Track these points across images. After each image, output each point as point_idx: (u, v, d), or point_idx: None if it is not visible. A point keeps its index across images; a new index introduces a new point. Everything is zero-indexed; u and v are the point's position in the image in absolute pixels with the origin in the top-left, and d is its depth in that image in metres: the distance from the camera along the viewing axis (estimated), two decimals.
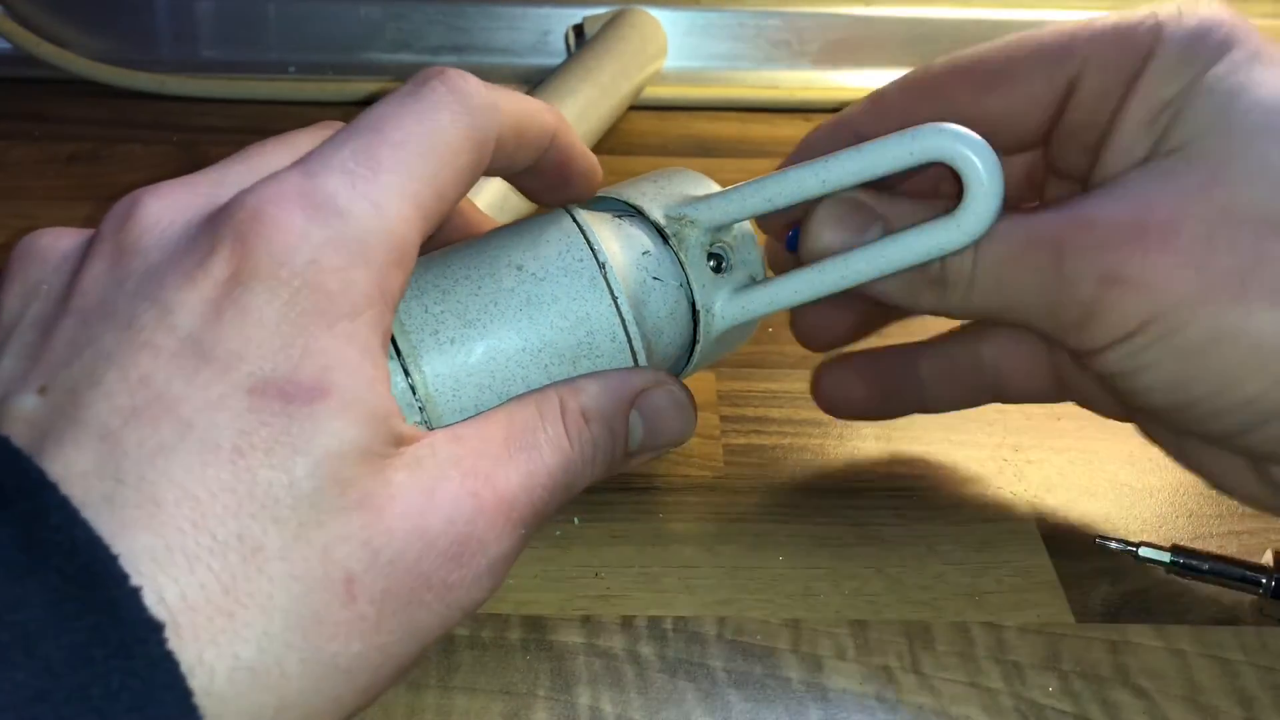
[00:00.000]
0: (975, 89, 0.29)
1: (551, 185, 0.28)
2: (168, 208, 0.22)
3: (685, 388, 0.28)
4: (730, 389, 0.37)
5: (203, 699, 0.18)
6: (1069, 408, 0.37)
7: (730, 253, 0.29)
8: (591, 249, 0.27)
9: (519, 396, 0.25)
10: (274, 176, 0.21)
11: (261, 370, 0.19)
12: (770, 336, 0.40)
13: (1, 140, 0.52)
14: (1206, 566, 0.30)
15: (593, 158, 0.28)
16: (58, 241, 0.23)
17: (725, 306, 0.29)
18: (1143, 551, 0.30)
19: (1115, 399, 0.29)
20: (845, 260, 0.28)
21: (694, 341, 0.30)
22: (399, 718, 0.26)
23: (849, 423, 0.36)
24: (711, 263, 0.29)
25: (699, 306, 0.29)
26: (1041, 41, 0.28)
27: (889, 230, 0.27)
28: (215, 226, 0.21)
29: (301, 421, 0.19)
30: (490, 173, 0.26)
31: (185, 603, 0.18)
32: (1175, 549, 0.30)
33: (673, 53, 0.58)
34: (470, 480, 0.22)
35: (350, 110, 0.56)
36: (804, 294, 0.29)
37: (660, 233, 0.29)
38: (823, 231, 0.28)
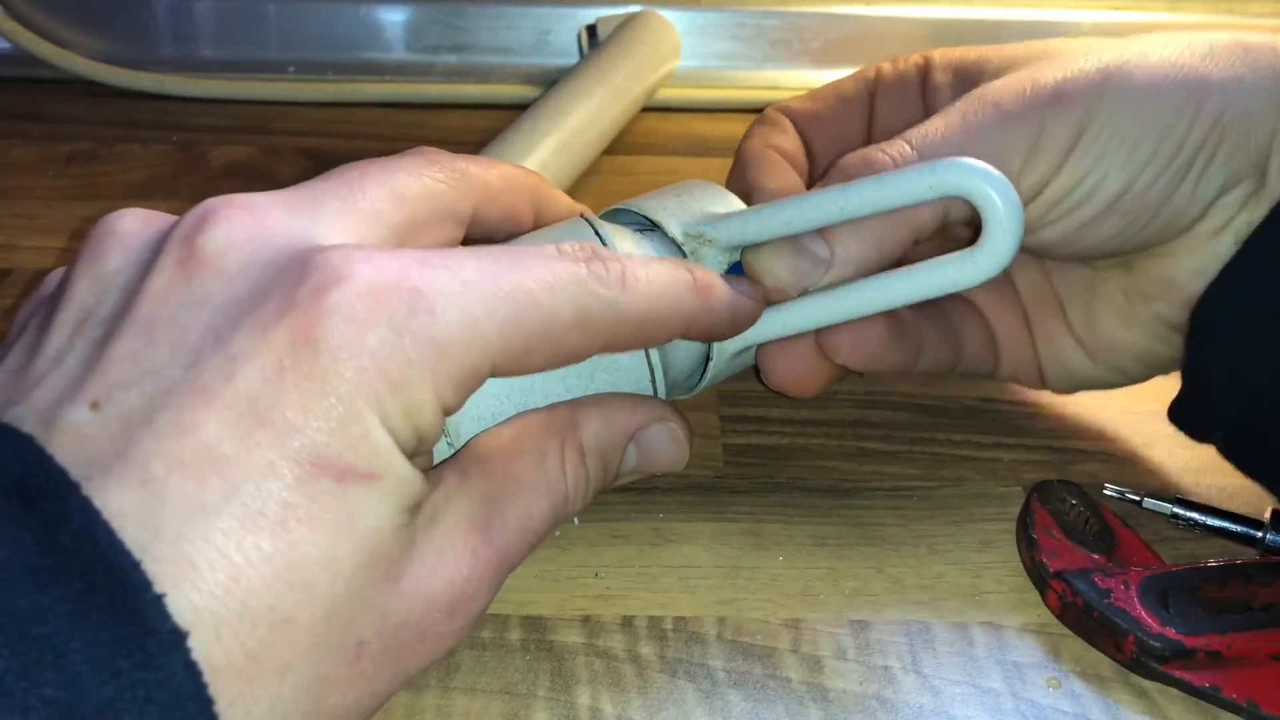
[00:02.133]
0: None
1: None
2: (255, 230, 0.21)
3: (685, 420, 0.29)
4: (730, 389, 0.37)
5: None
6: (1070, 408, 0.37)
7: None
8: None
9: (525, 423, 0.26)
10: (380, 252, 0.21)
11: (316, 445, 0.19)
12: None
13: (1, 140, 0.52)
14: (1207, 519, 0.32)
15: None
16: (142, 228, 0.22)
17: None
18: (1146, 503, 0.32)
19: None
20: (858, 289, 0.28)
21: (708, 358, 0.30)
22: (399, 718, 0.26)
23: (849, 423, 0.36)
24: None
25: None
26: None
27: (839, 266, 0.28)
28: (300, 280, 0.20)
29: (350, 502, 0.19)
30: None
31: (208, 664, 0.18)
32: (1178, 500, 0.32)
33: None
34: (471, 535, 0.23)
35: (350, 110, 0.57)
36: (818, 320, 0.29)
37: (679, 249, 0.29)
38: (774, 267, 0.29)
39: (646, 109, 0.56)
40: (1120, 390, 0.35)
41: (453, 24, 0.58)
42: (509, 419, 0.26)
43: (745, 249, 0.29)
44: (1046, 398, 0.37)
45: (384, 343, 0.20)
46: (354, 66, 0.58)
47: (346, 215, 0.22)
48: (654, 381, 0.28)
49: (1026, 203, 0.29)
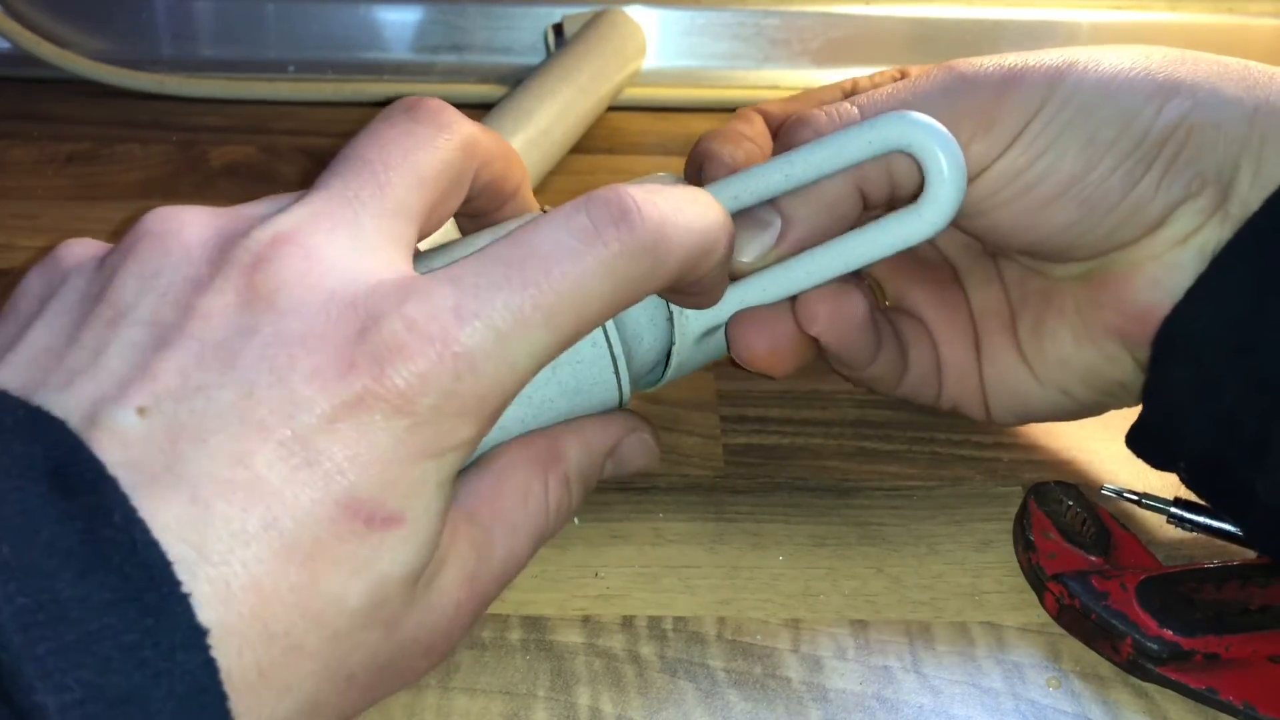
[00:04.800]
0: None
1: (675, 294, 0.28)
2: (311, 266, 0.22)
3: (652, 425, 0.29)
4: (730, 389, 0.37)
5: None
6: None
7: None
8: None
9: (507, 460, 0.26)
10: (428, 303, 0.21)
11: (355, 489, 0.20)
12: None
13: (1, 140, 0.52)
14: (1205, 519, 0.31)
15: (724, 286, 0.29)
16: (186, 230, 0.23)
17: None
18: (1145, 501, 0.32)
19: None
20: (811, 258, 0.28)
21: (670, 350, 0.30)
22: (399, 718, 0.26)
23: (849, 423, 0.36)
24: None
25: (672, 308, 0.29)
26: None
27: (792, 231, 0.28)
28: (363, 341, 0.21)
29: (372, 546, 0.21)
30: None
31: (226, 675, 0.19)
32: (1176, 501, 0.32)
33: (672, 52, 0.58)
34: (461, 589, 0.24)
35: (350, 110, 0.57)
36: (773, 292, 0.29)
37: None
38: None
39: (646, 109, 0.56)
40: None
41: (453, 24, 0.58)
42: (491, 455, 0.26)
43: None
44: None
45: (432, 407, 0.21)
46: (354, 66, 0.58)
47: (382, 222, 0.23)
48: (617, 373, 0.28)
49: (976, 173, 0.28)
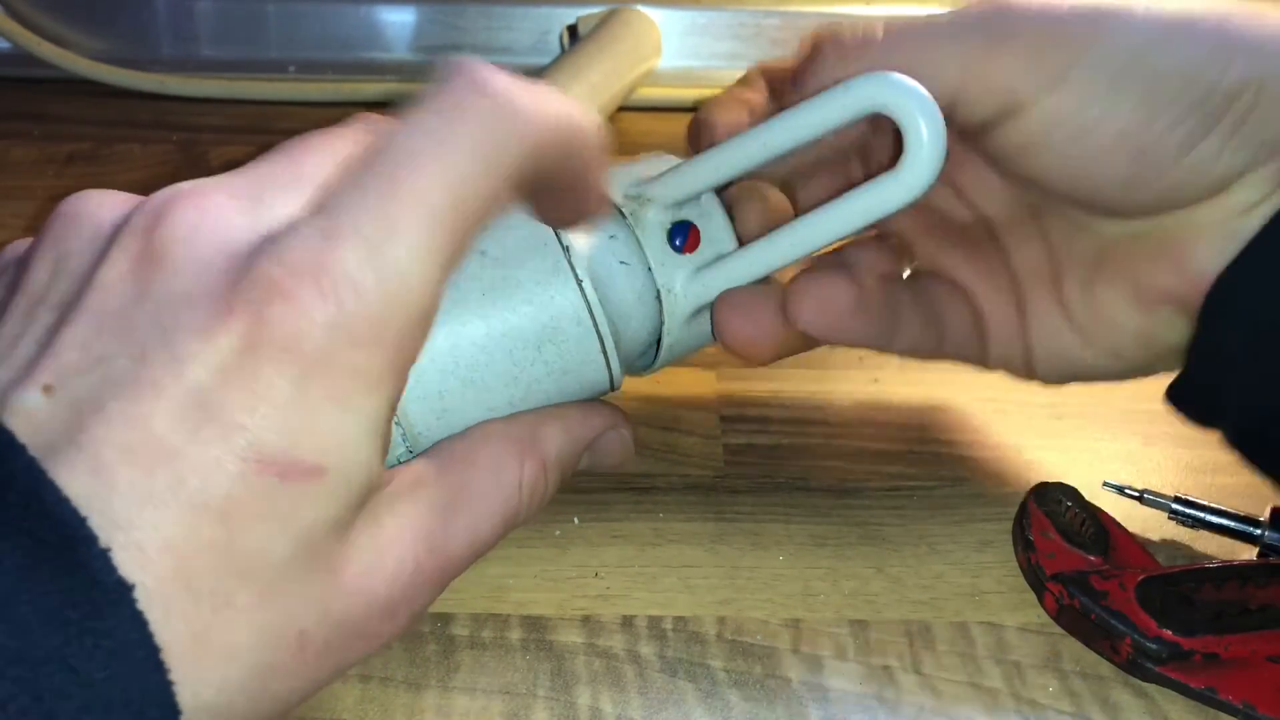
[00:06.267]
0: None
1: (551, 194, 0.25)
2: (203, 221, 0.21)
3: (632, 425, 0.29)
4: (730, 389, 0.37)
5: None
6: (1070, 408, 0.37)
7: (699, 229, 0.29)
8: (555, 232, 0.27)
9: (485, 433, 0.26)
10: (295, 236, 0.20)
11: (261, 442, 0.20)
12: None
13: (1, 140, 0.52)
14: (1206, 515, 0.32)
15: (603, 192, 0.26)
16: (98, 210, 0.22)
17: (688, 286, 0.29)
18: (1146, 497, 0.32)
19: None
20: (793, 230, 0.28)
21: (660, 331, 0.29)
22: (399, 718, 0.26)
23: (849, 423, 0.36)
24: (677, 240, 0.29)
25: (659, 286, 0.29)
26: None
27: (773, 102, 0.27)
28: (237, 284, 0.20)
29: (292, 498, 0.20)
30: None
31: (159, 642, 0.19)
32: (1177, 499, 0.32)
33: (672, 52, 0.58)
34: (417, 544, 0.23)
35: (350, 110, 0.56)
36: (759, 267, 0.28)
37: (619, 211, 0.28)
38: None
39: (646, 109, 0.56)
40: (1120, 390, 0.34)
41: (453, 24, 0.58)
42: (470, 429, 0.26)
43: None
44: (1048, 398, 0.37)
45: (323, 343, 0.20)
46: (354, 66, 0.58)
47: (290, 192, 0.22)
48: (605, 352, 0.27)
49: (1015, 110, 0.27)
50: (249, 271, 0.20)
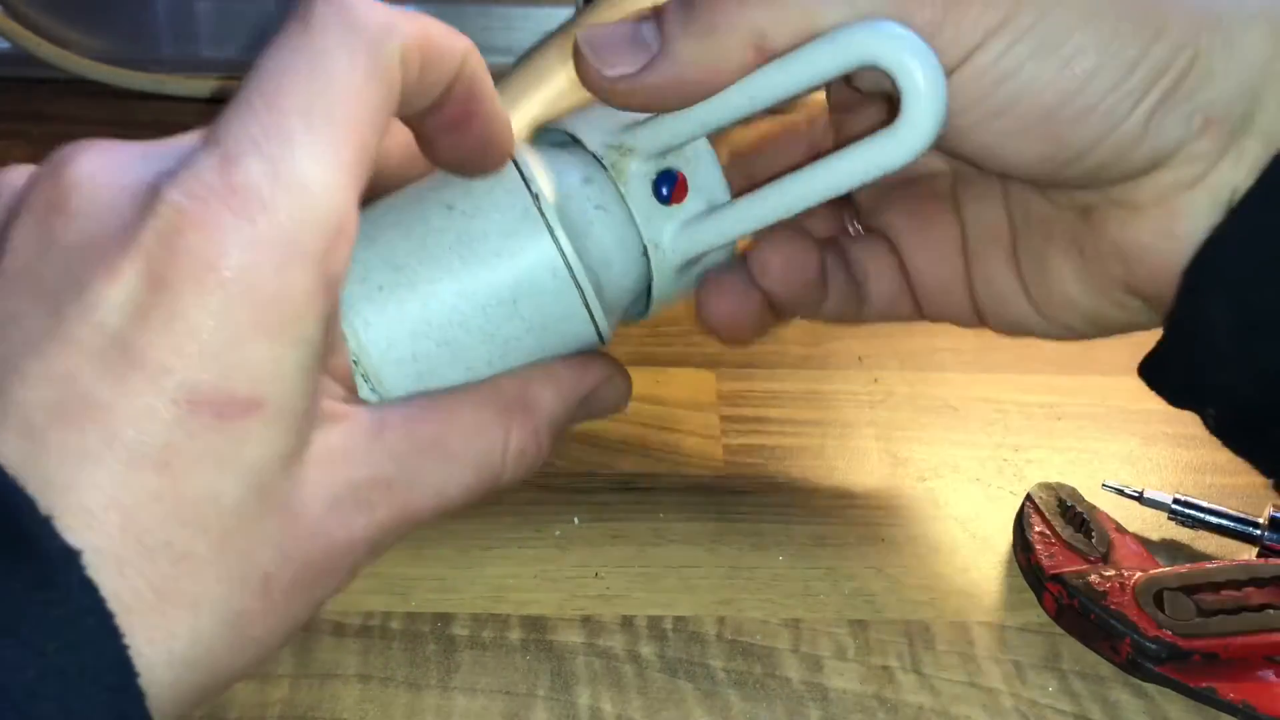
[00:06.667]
0: None
1: (457, 129, 0.25)
2: (104, 166, 0.21)
3: (626, 372, 0.28)
4: (730, 389, 0.38)
5: (144, 688, 0.18)
6: (1070, 408, 0.37)
7: (687, 177, 0.27)
8: (524, 180, 0.26)
9: (468, 396, 0.25)
10: (193, 165, 0.20)
11: (191, 382, 0.19)
12: (770, 336, 0.40)
13: (1, 140, 0.52)
14: (1205, 515, 0.32)
15: (505, 119, 0.25)
16: (14, 179, 0.22)
17: (676, 240, 0.27)
18: (1147, 494, 0.32)
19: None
20: (783, 186, 0.26)
21: (650, 279, 0.28)
22: (399, 718, 0.26)
23: (849, 422, 0.36)
24: (664, 190, 0.27)
25: (646, 240, 0.27)
26: None
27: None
28: (141, 217, 0.19)
29: (232, 436, 0.19)
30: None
31: (120, 603, 0.18)
32: (1176, 500, 0.32)
33: None
34: (375, 489, 0.22)
35: None
36: (750, 222, 0.27)
37: (598, 162, 0.27)
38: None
39: None
40: (1120, 389, 0.35)
41: (452, 24, 0.58)
42: (456, 391, 0.25)
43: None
44: (1048, 398, 0.37)
45: (240, 268, 0.19)
46: None
47: (186, 142, 0.22)
48: (587, 304, 0.26)
49: (954, 69, 0.25)
50: (152, 205, 0.19)
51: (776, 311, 0.30)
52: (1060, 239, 0.28)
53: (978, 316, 0.31)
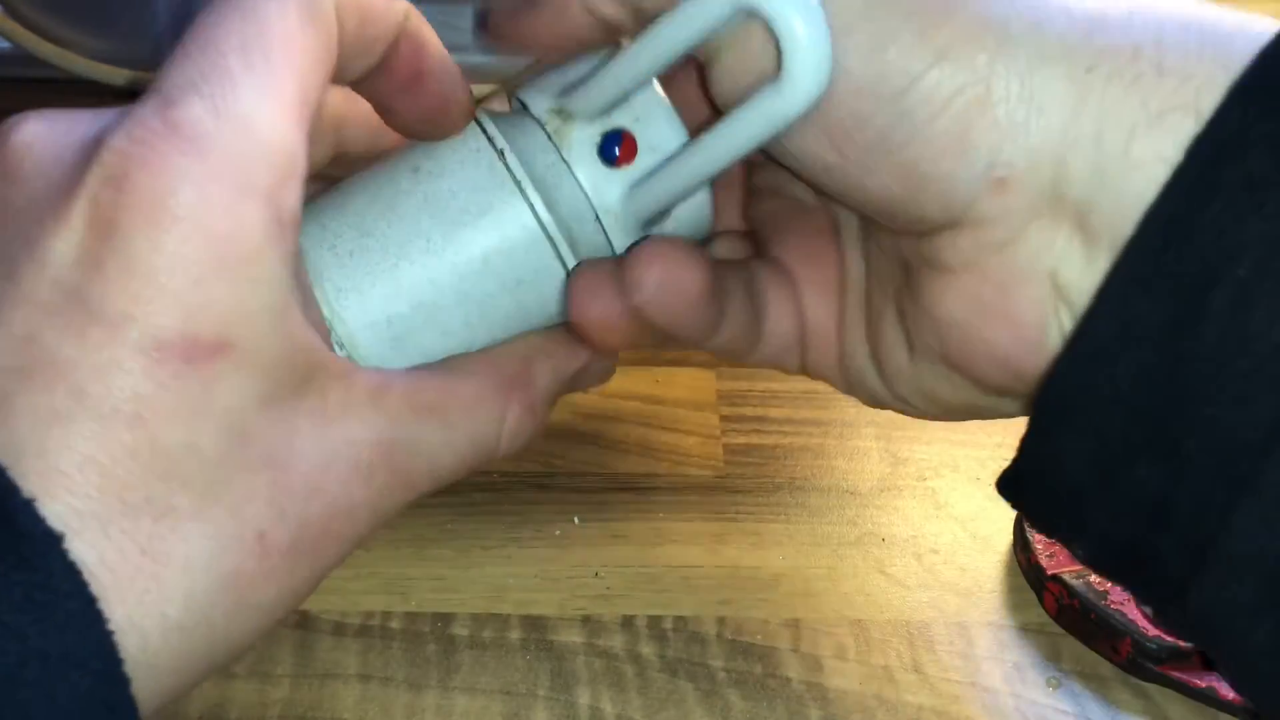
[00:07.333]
0: None
1: (410, 90, 0.24)
2: (51, 129, 0.21)
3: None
4: (730, 389, 0.37)
5: (138, 657, 0.18)
6: None
7: (636, 134, 0.26)
8: (488, 136, 0.25)
9: (471, 366, 0.25)
10: (134, 112, 0.20)
11: (155, 329, 0.18)
12: None
13: None
14: None
15: (456, 74, 0.25)
16: None
17: (625, 204, 0.26)
18: None
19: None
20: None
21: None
22: (399, 718, 0.26)
23: (849, 422, 0.36)
24: (615, 151, 0.26)
25: (596, 209, 0.26)
26: None
27: None
28: (85, 166, 0.19)
29: (202, 381, 0.19)
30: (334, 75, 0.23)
31: (105, 565, 0.18)
32: None
33: None
34: (373, 451, 0.22)
35: None
36: (696, 173, 0.25)
37: (543, 130, 0.26)
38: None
39: None
40: None
41: (453, 24, 0.58)
42: (458, 359, 0.25)
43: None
44: None
45: (190, 204, 0.19)
46: None
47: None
48: (560, 257, 0.25)
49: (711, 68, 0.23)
50: (97, 154, 0.19)
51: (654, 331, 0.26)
52: (891, 294, 0.25)
53: (846, 383, 0.27)
